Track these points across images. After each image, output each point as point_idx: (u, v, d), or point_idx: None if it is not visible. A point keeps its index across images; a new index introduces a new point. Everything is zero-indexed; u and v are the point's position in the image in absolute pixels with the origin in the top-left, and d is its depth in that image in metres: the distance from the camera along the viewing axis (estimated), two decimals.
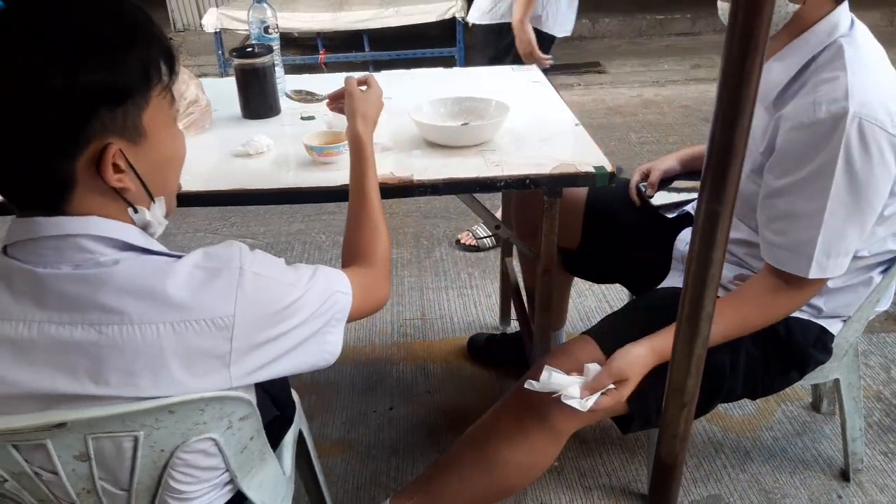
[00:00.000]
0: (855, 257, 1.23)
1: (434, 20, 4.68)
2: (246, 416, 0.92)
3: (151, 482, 0.89)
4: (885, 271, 1.34)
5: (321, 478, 1.49)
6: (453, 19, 4.65)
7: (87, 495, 0.87)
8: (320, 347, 0.94)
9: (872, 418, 1.89)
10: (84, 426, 0.80)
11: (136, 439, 0.83)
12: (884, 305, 1.43)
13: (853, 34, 1.18)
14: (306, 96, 1.58)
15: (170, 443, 0.85)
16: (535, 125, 1.56)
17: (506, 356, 2.09)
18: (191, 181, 1.35)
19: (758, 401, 1.96)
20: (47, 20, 0.75)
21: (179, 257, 0.84)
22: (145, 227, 0.87)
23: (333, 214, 3.05)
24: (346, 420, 1.96)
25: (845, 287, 1.31)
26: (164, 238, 2.15)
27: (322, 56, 4.84)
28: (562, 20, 2.61)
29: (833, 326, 1.36)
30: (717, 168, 0.74)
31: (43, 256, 0.79)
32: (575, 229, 1.70)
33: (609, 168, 1.34)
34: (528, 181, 1.32)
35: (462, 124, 1.49)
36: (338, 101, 1.36)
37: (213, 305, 0.81)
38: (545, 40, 2.59)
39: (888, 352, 2.13)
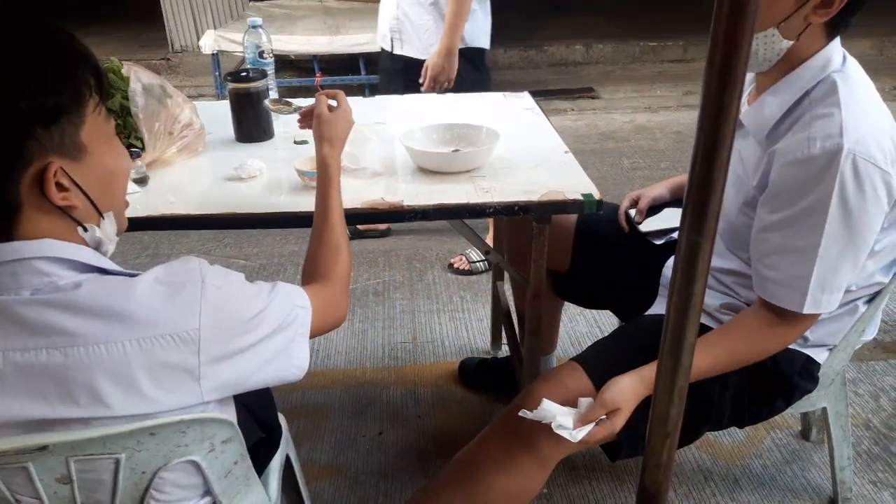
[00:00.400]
0: None
1: None
2: (228, 440, 0.92)
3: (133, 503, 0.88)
4: (869, 301, 1.35)
5: (308, 502, 1.48)
6: None
7: None
8: (289, 362, 0.96)
9: (861, 447, 1.89)
10: (66, 449, 0.80)
11: (117, 461, 0.83)
12: (870, 335, 1.44)
13: (846, 69, 1.20)
14: (283, 106, 1.58)
15: (151, 465, 0.86)
16: (525, 152, 1.57)
17: (496, 380, 2.09)
18: (183, 204, 1.36)
19: (747, 429, 1.97)
20: None
21: (136, 275, 0.85)
22: (97, 246, 0.89)
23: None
24: (336, 444, 1.95)
25: (831, 317, 1.32)
26: (158, 259, 2.17)
27: (318, 79, 4.88)
28: (483, 30, 2.56)
29: (819, 355, 1.37)
30: (697, 200, 0.75)
31: (1, 283, 0.80)
32: (565, 252, 1.71)
33: (597, 195, 1.35)
34: (516, 208, 1.34)
35: (453, 151, 1.50)
36: (308, 119, 1.36)
37: (178, 320, 0.82)
38: (475, 54, 2.55)
39: (877, 380, 2.14)
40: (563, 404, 1.25)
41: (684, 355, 0.83)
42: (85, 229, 0.87)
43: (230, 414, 0.98)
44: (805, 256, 1.15)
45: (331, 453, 1.92)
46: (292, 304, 0.98)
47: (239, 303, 0.89)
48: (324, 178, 1.23)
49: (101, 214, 0.88)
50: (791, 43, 1.18)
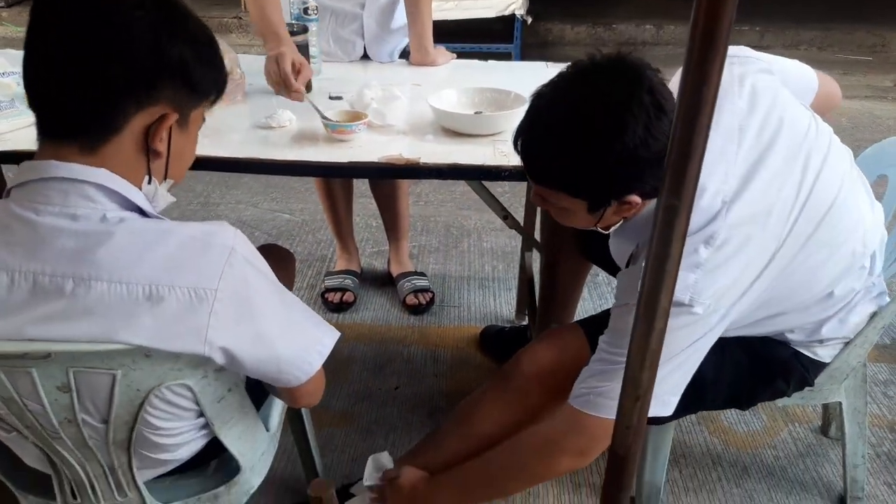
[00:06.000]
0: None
1: (493, 16, 4.70)
2: (222, 369, 0.96)
3: (129, 417, 0.95)
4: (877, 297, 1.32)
5: (313, 442, 1.55)
6: (512, 16, 4.66)
7: (68, 425, 0.94)
8: (309, 344, 0.99)
9: (882, 448, 1.84)
10: (67, 359, 0.86)
11: (113, 377, 0.88)
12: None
13: None
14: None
15: (146, 384, 0.91)
16: None
17: (514, 349, 2.10)
18: (212, 147, 1.42)
19: (764, 418, 1.94)
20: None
21: (174, 224, 0.88)
22: (150, 199, 0.93)
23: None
24: (352, 394, 2.01)
25: (833, 314, 1.29)
26: (209, 206, 2.30)
27: None
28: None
29: (812, 349, 1.35)
30: (676, 163, 0.75)
31: (49, 198, 0.84)
32: None
33: None
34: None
35: (475, 113, 1.52)
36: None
37: (198, 276, 0.84)
38: None
39: None
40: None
41: (658, 319, 0.84)
42: (150, 181, 0.93)
43: None
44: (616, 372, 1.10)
45: (346, 402, 1.98)
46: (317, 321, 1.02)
47: (263, 284, 0.91)
48: None
49: (164, 177, 0.96)
50: (621, 219, 1.17)
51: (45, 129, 0.88)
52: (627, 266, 1.22)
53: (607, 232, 1.21)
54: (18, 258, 0.83)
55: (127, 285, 0.83)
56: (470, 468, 1.29)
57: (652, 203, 1.15)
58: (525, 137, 1.11)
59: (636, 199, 1.08)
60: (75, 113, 0.86)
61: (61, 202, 0.84)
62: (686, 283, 1.05)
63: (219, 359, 0.90)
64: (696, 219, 1.06)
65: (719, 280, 1.06)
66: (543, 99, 1.09)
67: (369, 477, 1.42)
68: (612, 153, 1.02)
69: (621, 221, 1.17)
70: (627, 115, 1.01)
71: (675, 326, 1.04)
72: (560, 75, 1.09)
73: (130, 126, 0.87)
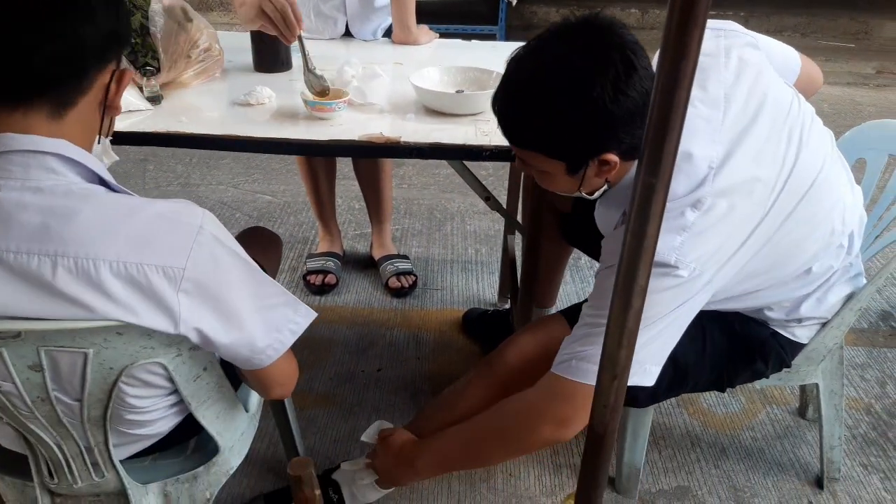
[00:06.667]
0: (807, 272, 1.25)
1: None
2: (196, 346, 0.95)
3: (103, 395, 0.93)
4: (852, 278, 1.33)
5: (294, 423, 1.54)
6: None
7: (41, 404, 0.92)
8: (286, 319, 0.98)
9: (858, 430, 1.87)
10: (37, 338, 0.84)
11: (85, 355, 0.87)
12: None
13: None
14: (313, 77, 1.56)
15: (118, 362, 0.90)
16: None
17: (496, 332, 2.10)
18: (190, 124, 1.40)
19: (742, 400, 1.96)
20: None
21: (142, 200, 0.87)
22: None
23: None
24: (334, 376, 2.01)
25: (809, 293, 1.30)
26: (188, 188, 2.26)
27: None
28: None
29: (790, 329, 1.36)
30: (654, 141, 0.75)
31: (9, 172, 0.82)
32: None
33: None
34: (512, 153, 1.34)
35: (457, 92, 1.50)
36: None
37: (167, 254, 0.83)
38: None
39: (887, 367, 2.09)
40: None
41: (635, 297, 0.83)
42: (99, 140, 0.92)
43: None
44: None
45: (329, 384, 1.98)
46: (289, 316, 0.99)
47: (233, 262, 0.90)
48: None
49: (108, 133, 0.96)
50: (603, 182, 1.16)
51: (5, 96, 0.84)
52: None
53: (593, 198, 1.21)
54: None
55: (94, 261, 0.81)
56: (451, 432, 1.29)
57: (634, 166, 1.15)
58: (500, 99, 1.12)
59: (613, 157, 1.08)
60: (47, 72, 0.82)
61: (23, 176, 0.82)
62: (672, 244, 1.05)
63: (193, 338, 0.89)
64: (684, 183, 1.07)
65: (704, 244, 1.07)
66: (517, 61, 1.10)
67: (368, 435, 1.47)
68: (581, 110, 1.02)
69: (605, 186, 1.17)
70: (594, 71, 1.01)
71: (659, 288, 1.05)
72: (535, 37, 1.10)
73: (95, 85, 0.87)
